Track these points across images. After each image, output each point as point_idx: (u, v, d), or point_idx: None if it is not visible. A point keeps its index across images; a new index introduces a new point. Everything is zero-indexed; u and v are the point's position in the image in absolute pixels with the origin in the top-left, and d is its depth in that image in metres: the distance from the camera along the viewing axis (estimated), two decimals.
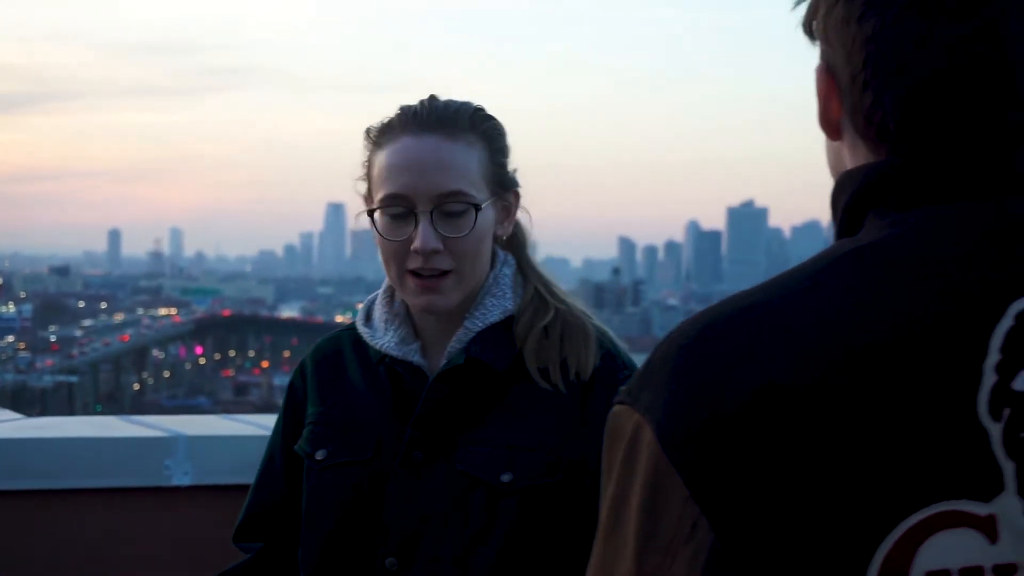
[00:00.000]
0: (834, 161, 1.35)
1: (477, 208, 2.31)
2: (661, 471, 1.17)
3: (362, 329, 2.42)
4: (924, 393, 1.15)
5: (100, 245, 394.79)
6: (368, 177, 2.38)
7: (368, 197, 2.38)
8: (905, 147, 1.26)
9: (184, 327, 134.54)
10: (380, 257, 2.37)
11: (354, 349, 2.44)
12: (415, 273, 2.30)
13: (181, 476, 3.72)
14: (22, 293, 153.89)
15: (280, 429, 2.50)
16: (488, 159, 2.35)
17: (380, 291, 2.45)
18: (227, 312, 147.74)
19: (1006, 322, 1.16)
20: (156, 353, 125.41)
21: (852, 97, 1.29)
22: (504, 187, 2.38)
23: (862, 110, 1.28)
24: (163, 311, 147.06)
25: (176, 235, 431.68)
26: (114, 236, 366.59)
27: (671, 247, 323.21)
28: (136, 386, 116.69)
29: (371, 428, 2.35)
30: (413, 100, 2.38)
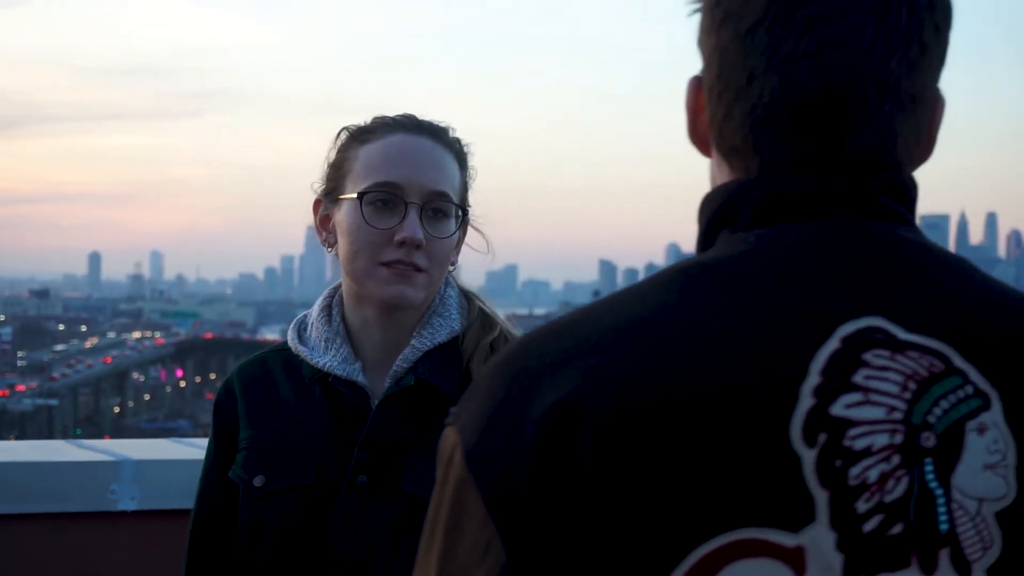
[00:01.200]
0: (712, 177, 1.32)
1: (458, 216, 2.33)
2: (464, 489, 1.15)
3: (299, 348, 2.36)
4: (734, 415, 1.11)
5: (80, 268, 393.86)
6: (342, 171, 2.34)
7: (334, 191, 2.35)
8: (754, 164, 1.24)
9: (165, 350, 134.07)
10: (345, 248, 2.32)
11: (284, 369, 2.37)
12: (389, 265, 2.27)
13: (128, 501, 3.66)
14: (1, 316, 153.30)
15: (213, 455, 2.42)
16: (460, 181, 2.36)
17: (315, 310, 2.40)
18: (209, 335, 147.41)
19: (831, 344, 1.13)
20: (136, 376, 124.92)
21: (710, 109, 1.27)
22: (465, 214, 2.37)
23: (716, 123, 1.26)
24: (145, 334, 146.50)
25: (156, 258, 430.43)
26: (94, 259, 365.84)
27: (652, 270, 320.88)
28: (116, 409, 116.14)
29: (310, 451, 2.29)
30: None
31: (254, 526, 2.29)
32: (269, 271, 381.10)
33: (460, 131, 2.39)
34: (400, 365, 2.30)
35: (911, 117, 1.24)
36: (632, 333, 1.15)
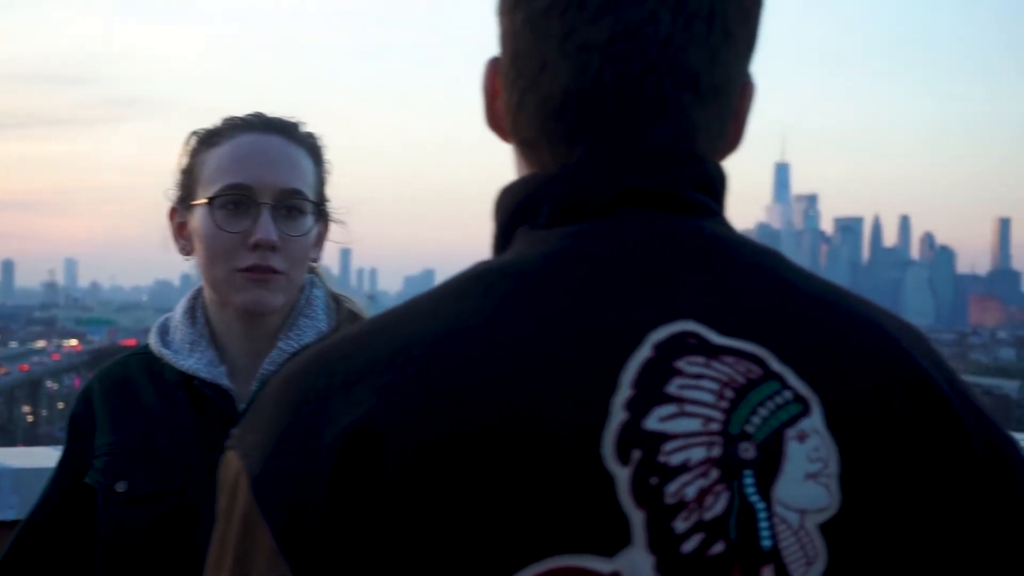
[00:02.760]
0: (514, 166, 1.26)
1: (314, 212, 2.27)
2: (252, 523, 1.07)
3: (162, 351, 2.30)
4: (541, 435, 1.04)
5: None
6: (193, 176, 2.28)
7: (186, 197, 2.29)
8: (550, 158, 1.18)
9: (80, 358, 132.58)
10: (202, 256, 2.26)
11: (146, 374, 2.31)
12: (246, 271, 2.22)
13: (6, 510, 3.57)
14: None
15: (62, 464, 2.35)
16: (315, 177, 2.30)
17: (178, 312, 2.34)
18: (129, 342, 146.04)
19: (642, 353, 1.07)
20: (50, 384, 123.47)
21: (505, 95, 1.21)
22: (323, 210, 2.32)
23: (511, 111, 1.20)
24: (59, 341, 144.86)
25: (71, 265, 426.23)
26: (7, 267, 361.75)
27: None
28: (30, 418, 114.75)
29: (176, 456, 2.22)
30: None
31: (118, 533, 2.23)
32: (185, 277, 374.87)
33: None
34: (267, 368, 2.25)
35: (713, 108, 1.18)
36: (428, 349, 1.07)
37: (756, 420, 1.07)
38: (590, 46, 1.14)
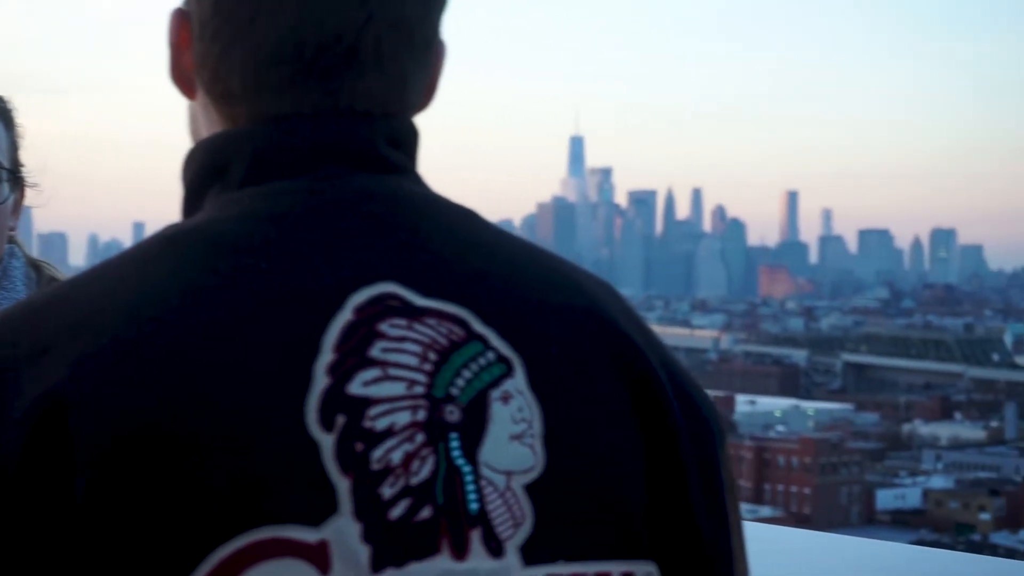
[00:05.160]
0: (192, 126, 1.23)
1: (9, 180, 2.21)
2: None
3: None
4: (243, 403, 1.01)
5: None
6: None
7: None
8: (249, 112, 1.15)
9: None
10: None
11: None
12: None
13: None
14: None
15: None
16: (7, 143, 2.23)
17: None
18: None
19: (343, 316, 1.06)
20: None
21: (201, 47, 1.16)
22: (19, 177, 2.24)
23: (210, 63, 1.16)
24: None
25: None
26: None
27: None
28: None
29: None
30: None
31: None
32: None
33: None
34: None
35: (423, 62, 1.18)
36: (119, 317, 1.04)
37: (460, 382, 1.07)
38: None
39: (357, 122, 1.14)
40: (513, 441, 1.07)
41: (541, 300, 1.14)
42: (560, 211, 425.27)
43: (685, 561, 1.14)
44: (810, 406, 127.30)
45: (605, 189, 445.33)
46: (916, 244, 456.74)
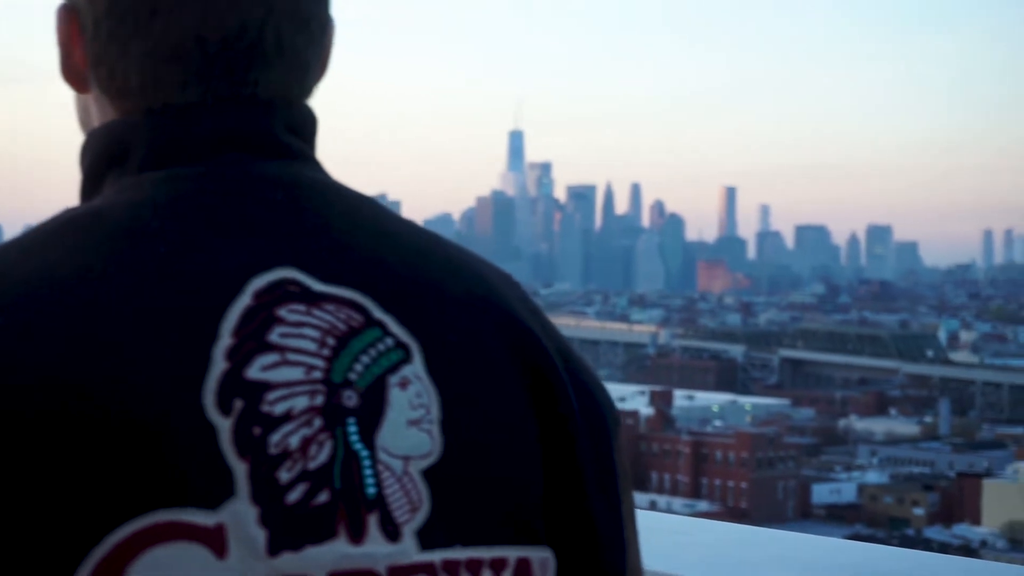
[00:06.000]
0: (83, 116, 1.23)
1: None
2: None
3: None
4: (140, 388, 1.01)
5: None
6: None
7: None
8: (148, 107, 1.14)
9: None
10: None
11: None
12: None
13: None
14: None
15: None
16: None
17: None
18: None
19: (242, 301, 1.06)
20: None
21: (96, 45, 1.16)
22: None
23: (106, 61, 1.15)
24: None
25: None
26: None
27: None
28: None
29: None
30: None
31: None
32: None
33: None
34: None
35: (318, 47, 1.20)
36: (19, 298, 1.04)
37: (358, 368, 1.08)
38: None
39: (258, 110, 1.15)
40: (411, 426, 1.08)
41: (441, 288, 1.14)
42: (499, 205, 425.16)
43: (579, 548, 1.15)
44: (747, 401, 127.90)
45: (544, 184, 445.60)
46: (853, 240, 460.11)
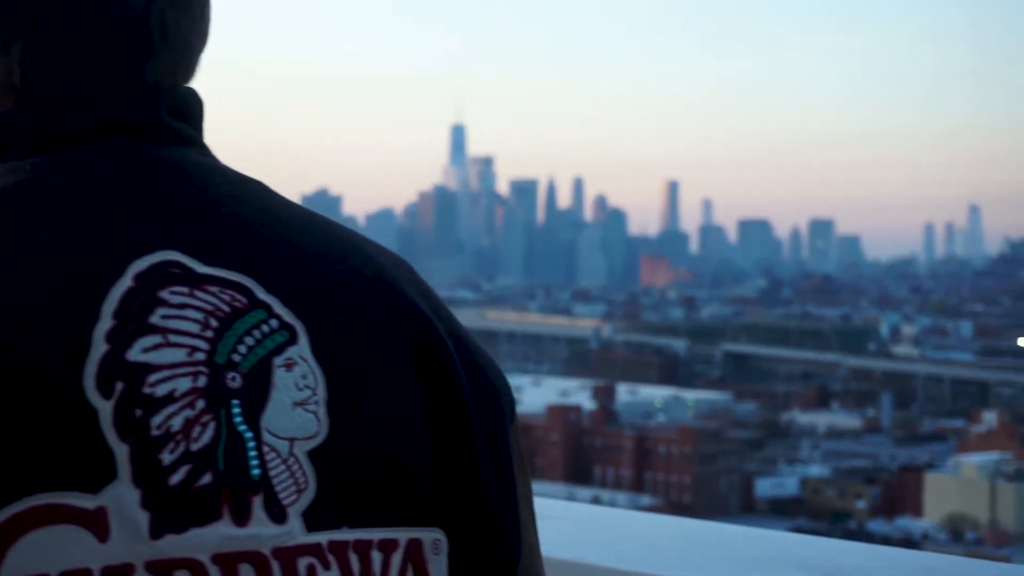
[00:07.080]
0: None
1: None
2: None
3: None
4: (19, 369, 1.01)
5: None
6: None
7: None
8: (33, 97, 1.14)
9: None
10: None
11: None
12: None
13: None
14: None
15: None
16: None
17: None
18: None
19: (123, 283, 1.05)
20: None
21: None
22: None
23: None
24: None
25: None
26: None
27: None
28: None
29: None
30: None
31: None
32: None
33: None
34: None
35: (200, 29, 1.21)
36: None
37: (242, 349, 1.07)
38: None
39: (143, 95, 1.15)
40: (296, 408, 1.08)
41: (328, 269, 1.15)
42: (441, 200, 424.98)
43: (473, 529, 1.16)
44: (690, 395, 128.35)
45: (487, 178, 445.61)
46: (795, 234, 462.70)
